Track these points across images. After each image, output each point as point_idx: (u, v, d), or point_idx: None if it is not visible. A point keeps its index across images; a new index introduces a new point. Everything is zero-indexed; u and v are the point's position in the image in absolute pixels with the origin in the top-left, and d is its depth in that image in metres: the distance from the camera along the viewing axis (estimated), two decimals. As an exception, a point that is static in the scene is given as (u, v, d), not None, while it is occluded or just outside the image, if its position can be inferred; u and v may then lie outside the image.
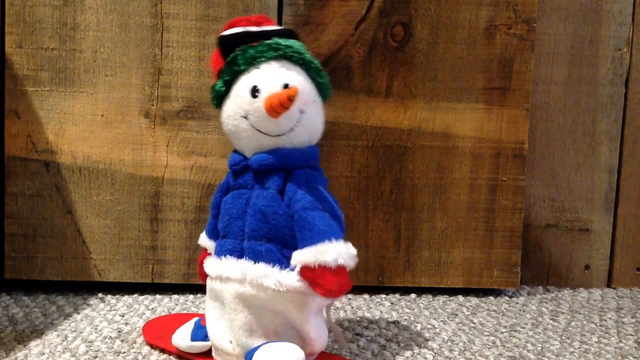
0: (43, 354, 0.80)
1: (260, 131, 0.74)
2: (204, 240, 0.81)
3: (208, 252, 0.80)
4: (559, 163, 1.10)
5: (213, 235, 0.80)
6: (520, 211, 1.03)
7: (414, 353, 0.84)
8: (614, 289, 1.11)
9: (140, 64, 0.98)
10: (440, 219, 1.02)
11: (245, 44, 0.76)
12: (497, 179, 1.02)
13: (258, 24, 0.78)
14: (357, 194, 1.02)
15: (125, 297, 0.99)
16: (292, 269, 0.71)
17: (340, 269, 0.70)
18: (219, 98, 0.77)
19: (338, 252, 0.70)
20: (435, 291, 1.05)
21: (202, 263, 0.80)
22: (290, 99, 0.71)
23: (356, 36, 1.00)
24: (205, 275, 0.79)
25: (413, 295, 1.03)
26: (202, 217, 0.99)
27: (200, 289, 0.99)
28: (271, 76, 0.74)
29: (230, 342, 0.74)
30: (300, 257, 0.70)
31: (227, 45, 0.76)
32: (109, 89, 0.98)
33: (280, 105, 0.71)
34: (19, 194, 0.98)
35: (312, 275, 0.70)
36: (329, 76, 0.79)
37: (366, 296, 1.02)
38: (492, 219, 1.03)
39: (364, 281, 1.02)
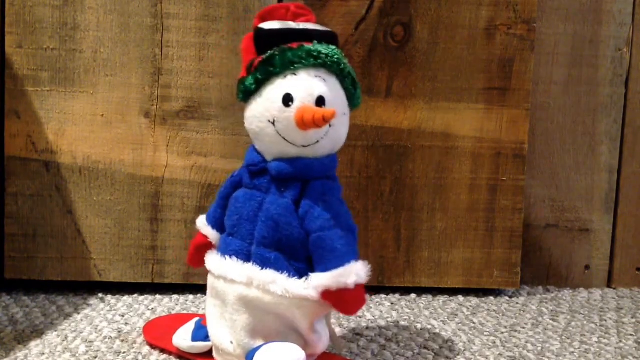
0: (43, 354, 0.80)
1: (286, 140, 0.72)
2: (204, 225, 0.79)
3: (205, 237, 0.79)
4: (559, 163, 1.10)
5: (216, 225, 0.78)
6: (520, 211, 1.03)
7: (414, 353, 0.84)
8: (614, 289, 1.11)
9: (141, 64, 0.98)
10: (440, 219, 1.02)
11: (284, 42, 0.73)
12: (497, 179, 1.02)
13: (297, 16, 0.75)
14: (357, 194, 1.02)
15: (126, 297, 0.99)
16: (300, 278, 0.71)
17: (358, 287, 0.70)
18: (247, 94, 0.74)
19: (357, 273, 0.70)
20: (435, 291, 1.05)
21: (196, 246, 0.80)
22: (326, 120, 0.69)
23: (356, 36, 1.00)
24: (195, 259, 0.78)
25: (413, 295, 1.03)
26: (202, 217, 0.99)
27: (200, 289, 0.99)
28: (307, 87, 0.71)
29: (231, 342, 0.74)
30: (322, 280, 0.70)
31: (264, 40, 0.73)
32: (109, 89, 0.98)
33: (314, 123, 0.69)
34: (19, 194, 0.98)
35: (334, 298, 0.70)
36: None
37: (366, 296, 1.02)
38: (492, 219, 1.03)
39: (364, 281, 1.02)
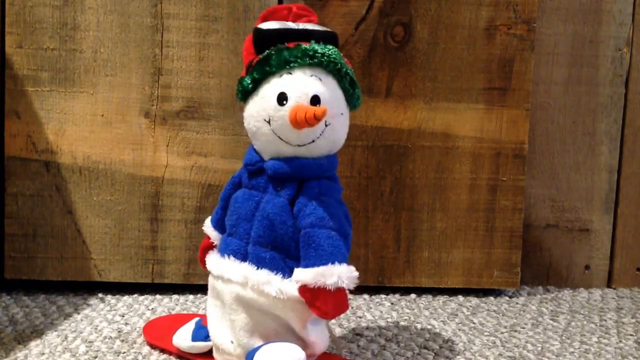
0: (43, 354, 0.80)
1: (281, 139, 0.72)
2: (209, 228, 0.80)
3: (211, 240, 0.80)
4: (559, 163, 1.10)
5: (218, 226, 0.79)
6: (520, 211, 1.03)
7: (414, 353, 0.84)
8: (614, 289, 1.11)
9: (141, 64, 0.98)
10: (440, 219, 1.02)
11: (282, 42, 0.73)
12: (497, 179, 1.02)
13: (298, 17, 0.76)
14: (357, 194, 1.02)
15: (126, 297, 0.99)
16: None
17: (338, 291, 0.69)
18: (245, 94, 0.75)
19: (339, 275, 0.69)
20: (435, 291, 1.05)
21: (203, 248, 0.80)
22: (317, 119, 0.69)
23: (356, 36, 1.00)
24: (203, 260, 0.79)
25: (413, 296, 1.03)
26: (202, 217, 0.99)
27: (200, 289, 0.99)
28: (301, 86, 0.71)
29: (232, 342, 0.74)
30: (301, 276, 0.70)
31: (263, 39, 0.73)
32: (109, 89, 0.98)
33: (307, 121, 0.69)
34: (19, 194, 0.98)
35: (310, 295, 0.69)
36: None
37: (366, 296, 1.02)
38: (492, 219, 1.03)
39: (363, 281, 1.02)
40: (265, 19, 0.76)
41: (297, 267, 0.71)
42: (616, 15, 1.08)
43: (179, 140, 0.99)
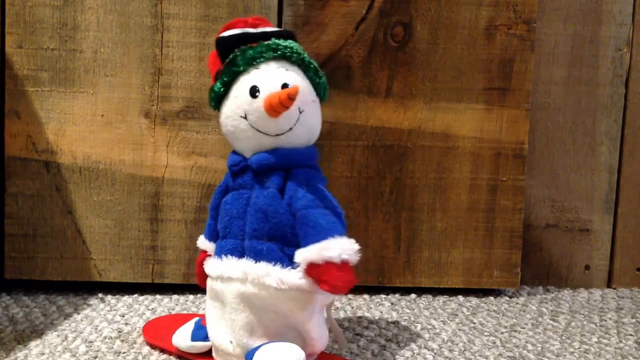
0: (43, 354, 0.80)
1: (260, 131, 0.74)
2: (203, 242, 0.81)
3: (207, 254, 0.80)
4: (559, 163, 1.10)
5: (212, 237, 0.80)
6: (520, 211, 1.03)
7: (414, 353, 0.84)
8: (614, 289, 1.11)
9: (141, 64, 0.98)
10: (440, 219, 1.02)
11: (244, 46, 0.76)
12: (497, 179, 1.02)
13: (255, 26, 0.79)
14: (357, 194, 1.02)
15: (125, 297, 0.99)
16: (295, 267, 0.71)
17: (344, 264, 0.70)
18: (218, 99, 0.77)
19: (342, 247, 0.70)
20: (435, 291, 1.05)
21: (200, 264, 0.81)
22: (291, 98, 0.71)
23: (356, 36, 1.00)
24: (203, 277, 0.79)
25: (413, 296, 1.03)
26: (202, 217, 0.99)
27: (200, 289, 0.99)
28: (270, 76, 0.74)
29: (231, 342, 0.74)
30: (305, 254, 0.70)
31: (226, 46, 0.77)
32: (109, 89, 0.98)
33: (281, 104, 0.71)
34: (19, 194, 0.98)
35: (317, 272, 0.70)
36: (329, 76, 0.79)
37: (366, 296, 1.02)
38: (492, 219, 1.03)
39: (364, 281, 1.02)
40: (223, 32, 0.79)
41: (296, 253, 0.72)
42: (616, 15, 1.08)
43: (179, 140, 0.99)
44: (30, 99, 0.97)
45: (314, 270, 0.70)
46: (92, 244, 0.99)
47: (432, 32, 1.00)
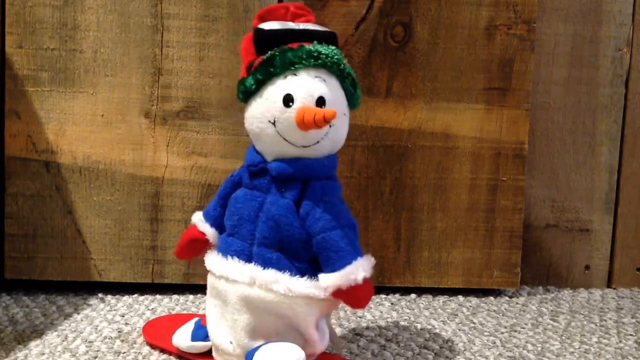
0: (43, 354, 0.80)
1: (286, 140, 0.72)
2: (201, 222, 0.79)
3: (201, 234, 0.79)
4: (559, 163, 1.10)
5: (215, 223, 0.78)
6: (520, 211, 1.03)
7: (414, 353, 0.84)
8: (614, 289, 1.11)
9: (141, 64, 0.98)
10: (440, 219, 1.02)
11: (284, 42, 0.73)
12: (497, 179, 1.02)
13: (297, 17, 0.76)
14: (357, 194, 1.02)
15: (125, 297, 0.99)
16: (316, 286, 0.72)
17: (365, 281, 0.71)
18: (247, 95, 0.74)
19: (364, 268, 0.71)
20: (435, 291, 1.05)
21: (189, 238, 0.80)
22: (327, 121, 0.69)
23: (356, 36, 1.00)
24: (185, 251, 0.79)
25: (413, 296, 1.03)
26: (202, 217, 0.99)
27: (200, 289, 0.99)
28: (307, 87, 0.71)
29: (231, 342, 0.74)
30: (332, 280, 0.71)
31: (264, 40, 0.73)
32: (109, 89, 0.98)
33: (315, 123, 0.69)
34: (19, 194, 0.98)
35: (345, 295, 0.71)
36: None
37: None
38: (492, 219, 1.03)
39: (364, 281, 1.02)
40: (262, 18, 0.76)
41: (305, 267, 0.72)
42: (616, 15, 1.08)
43: (179, 140, 0.99)
44: (30, 99, 0.97)
45: (341, 294, 0.71)
46: (92, 244, 0.99)
47: (432, 32, 1.00)
